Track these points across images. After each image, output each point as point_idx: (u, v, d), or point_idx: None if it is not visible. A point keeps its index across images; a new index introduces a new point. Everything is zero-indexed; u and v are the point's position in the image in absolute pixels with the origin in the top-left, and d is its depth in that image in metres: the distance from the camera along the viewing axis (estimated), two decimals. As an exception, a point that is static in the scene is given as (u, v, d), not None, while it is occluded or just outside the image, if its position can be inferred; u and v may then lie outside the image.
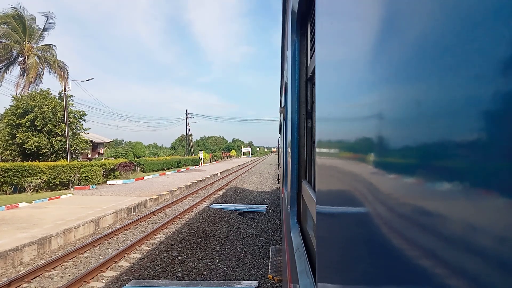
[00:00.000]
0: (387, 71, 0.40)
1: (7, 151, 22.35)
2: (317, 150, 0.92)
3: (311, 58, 1.84)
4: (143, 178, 22.69)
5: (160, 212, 12.01)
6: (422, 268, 0.30)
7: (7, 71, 28.46)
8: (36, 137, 21.80)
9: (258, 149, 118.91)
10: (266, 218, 11.37)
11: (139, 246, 7.97)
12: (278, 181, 14.45)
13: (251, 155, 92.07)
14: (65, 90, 22.66)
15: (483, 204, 0.22)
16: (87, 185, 18.64)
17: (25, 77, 27.80)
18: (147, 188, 16.94)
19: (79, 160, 24.42)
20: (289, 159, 2.70)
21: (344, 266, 0.62)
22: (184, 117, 53.33)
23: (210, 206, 12.78)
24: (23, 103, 21.79)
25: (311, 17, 1.84)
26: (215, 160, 55.17)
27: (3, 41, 26.19)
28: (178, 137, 68.01)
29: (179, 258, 7.32)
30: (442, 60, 0.27)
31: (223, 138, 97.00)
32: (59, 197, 14.21)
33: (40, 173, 17.42)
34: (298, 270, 1.44)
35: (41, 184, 17.20)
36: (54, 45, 29.16)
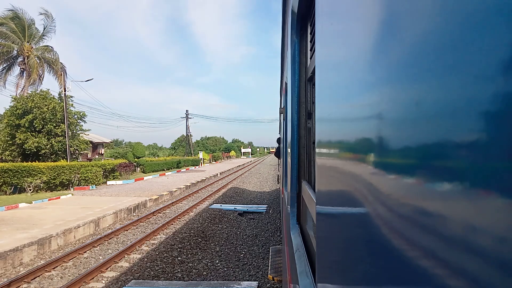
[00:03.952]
0: (387, 71, 0.40)
1: (7, 152, 22.34)
2: (317, 150, 0.92)
3: (311, 58, 1.84)
4: (143, 178, 22.67)
5: (160, 213, 12.01)
6: (422, 269, 0.30)
7: (9, 73, 28.51)
8: (35, 138, 21.80)
9: (258, 149, 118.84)
10: (266, 219, 11.36)
11: (139, 247, 7.96)
12: (278, 181, 14.45)
13: (251, 155, 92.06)
14: (64, 91, 22.67)
15: (483, 204, 0.22)
16: (87, 185, 18.62)
17: (24, 77, 27.83)
18: (147, 189, 16.93)
19: (79, 160, 24.42)
20: (289, 160, 2.69)
21: (344, 267, 0.62)
22: (184, 117, 53.37)
23: (210, 207, 12.78)
24: (22, 104, 21.79)
25: (311, 18, 1.84)
26: (215, 161, 55.15)
27: (1, 41, 26.23)
28: (178, 138, 68.01)
29: (179, 258, 7.31)
30: (442, 60, 0.27)
31: (223, 138, 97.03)
32: (59, 197, 14.20)
33: (40, 173, 17.40)
34: (298, 271, 1.44)
35: (41, 185, 17.19)
36: (51, 46, 29.24)
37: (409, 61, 0.34)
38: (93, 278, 6.17)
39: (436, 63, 0.28)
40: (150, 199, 13.69)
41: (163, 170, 31.42)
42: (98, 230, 9.65)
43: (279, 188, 12.15)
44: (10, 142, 22.20)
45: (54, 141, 22.52)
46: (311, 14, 1.81)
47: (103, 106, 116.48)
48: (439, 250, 0.27)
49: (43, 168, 17.70)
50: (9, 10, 26.84)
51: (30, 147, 21.47)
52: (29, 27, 27.83)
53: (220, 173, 27.92)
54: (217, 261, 7.28)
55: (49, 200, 13.56)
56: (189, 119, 53.33)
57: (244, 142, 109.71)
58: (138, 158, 32.83)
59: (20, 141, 21.64)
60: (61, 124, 22.72)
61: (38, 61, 28.26)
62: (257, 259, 7.42)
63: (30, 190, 16.56)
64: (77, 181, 18.90)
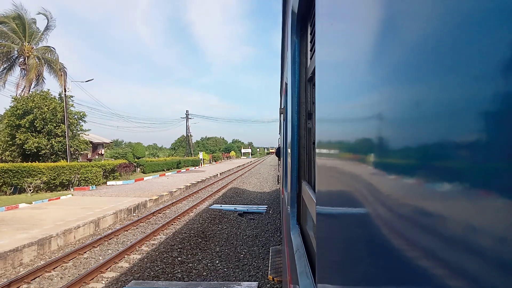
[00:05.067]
0: (387, 72, 0.40)
1: (7, 152, 22.35)
2: (317, 150, 0.92)
3: (311, 59, 1.84)
4: (143, 179, 22.67)
5: (160, 213, 12.00)
6: (422, 269, 0.30)
7: (9, 73, 28.50)
8: (36, 138, 21.80)
9: (258, 150, 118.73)
10: (266, 219, 11.36)
11: (139, 247, 7.96)
12: (278, 181, 14.45)
13: (251, 156, 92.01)
14: (65, 91, 22.68)
15: (483, 204, 0.22)
16: (87, 186, 18.62)
17: (25, 78, 27.82)
18: (147, 189, 16.93)
19: (78, 160, 24.42)
20: (289, 160, 2.69)
21: (344, 267, 0.62)
22: (184, 118, 53.40)
23: (210, 207, 12.77)
24: (22, 104, 21.79)
25: (311, 18, 1.84)
26: (215, 161, 55.14)
27: (2, 41, 26.23)
28: (178, 138, 68.05)
29: (179, 259, 7.31)
30: (442, 60, 0.27)
31: (223, 138, 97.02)
32: (59, 197, 14.20)
33: (40, 174, 17.40)
34: (298, 271, 1.44)
35: (41, 185, 17.19)
36: (53, 47, 29.25)
37: (409, 61, 0.34)
38: (93, 278, 6.16)
39: (436, 63, 0.28)
40: (150, 199, 13.68)
41: (163, 170, 31.42)
42: (98, 230, 9.65)
43: (279, 188, 12.15)
44: (10, 142, 22.20)
45: (54, 141, 22.52)
46: (311, 15, 1.81)
47: (103, 107, 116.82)
48: (439, 250, 0.27)
49: (43, 168, 17.70)
50: (13, 6, 26.84)
51: (30, 148, 21.47)
52: (29, 27, 27.83)
53: (220, 173, 27.91)
54: (217, 262, 7.27)
55: (49, 200, 13.55)
56: (189, 119, 53.41)
57: (244, 143, 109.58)
58: (138, 158, 32.83)
59: (20, 142, 21.64)
60: (61, 124, 22.72)
61: (38, 62, 28.26)
62: (257, 259, 7.42)
63: (30, 190, 16.55)
64: (77, 182, 18.90)
